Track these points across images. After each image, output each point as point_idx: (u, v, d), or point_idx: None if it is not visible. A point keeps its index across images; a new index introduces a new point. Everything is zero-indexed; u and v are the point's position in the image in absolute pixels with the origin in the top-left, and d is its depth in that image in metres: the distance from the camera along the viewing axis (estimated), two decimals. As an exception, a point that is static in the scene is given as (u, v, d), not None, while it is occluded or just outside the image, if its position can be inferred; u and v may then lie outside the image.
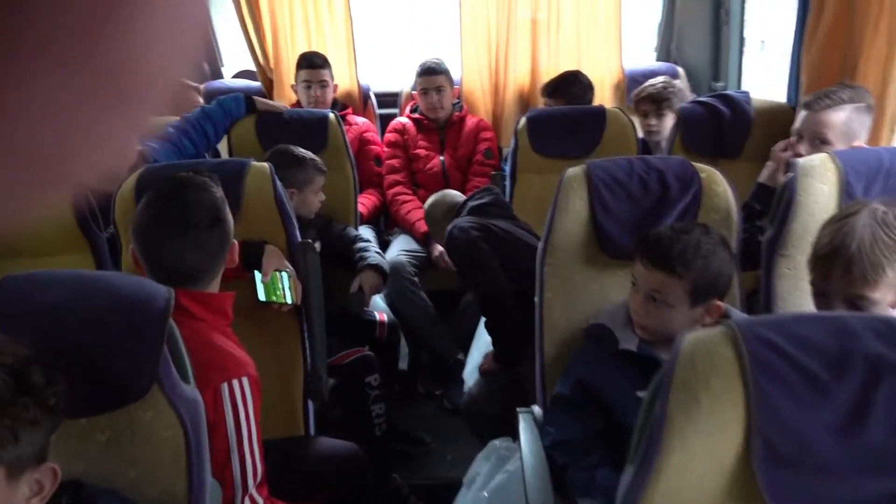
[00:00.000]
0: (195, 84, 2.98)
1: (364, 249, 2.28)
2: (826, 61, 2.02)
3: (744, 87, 3.07)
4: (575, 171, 1.57)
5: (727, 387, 0.78)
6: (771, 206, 1.91)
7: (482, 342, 2.40)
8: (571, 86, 2.76)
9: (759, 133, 2.27)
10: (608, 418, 1.40)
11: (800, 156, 1.77)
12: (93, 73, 0.20)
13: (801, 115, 1.84)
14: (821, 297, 1.32)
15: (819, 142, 1.79)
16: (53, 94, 0.20)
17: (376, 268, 2.21)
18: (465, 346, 2.68)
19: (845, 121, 1.76)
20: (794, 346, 0.80)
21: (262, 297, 1.61)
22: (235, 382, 1.16)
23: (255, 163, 1.74)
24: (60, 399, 0.89)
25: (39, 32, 0.19)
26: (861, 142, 1.78)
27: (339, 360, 2.08)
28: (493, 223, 1.99)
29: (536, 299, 1.63)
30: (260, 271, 1.61)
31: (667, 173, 1.55)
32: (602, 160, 1.59)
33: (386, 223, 3.07)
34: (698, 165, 1.57)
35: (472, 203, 2.12)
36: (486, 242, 1.93)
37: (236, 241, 1.36)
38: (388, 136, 3.02)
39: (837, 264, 1.23)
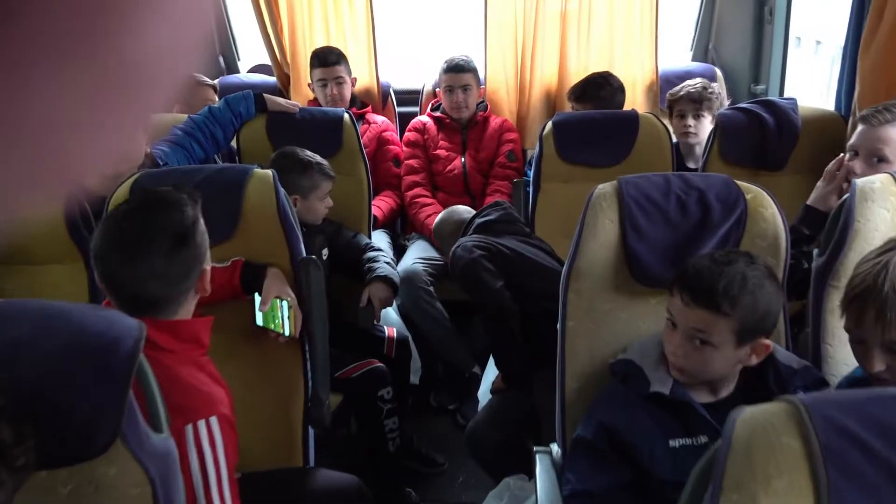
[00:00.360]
0: (209, 81, 2.86)
1: (374, 259, 2.15)
2: (886, 68, 1.83)
3: (787, 92, 2.88)
4: (605, 188, 1.42)
5: (792, 486, 0.63)
6: (820, 231, 1.75)
7: (498, 361, 2.27)
8: (600, 89, 2.59)
9: (806, 144, 2.10)
10: (635, 469, 1.25)
11: (855, 174, 1.60)
12: (99, 73, 0.21)
13: (858, 129, 1.67)
14: (858, 344, 1.18)
15: (877, 159, 1.63)
16: (59, 95, 0.20)
17: (386, 280, 2.09)
18: (482, 360, 2.56)
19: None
20: (876, 434, 0.65)
21: (259, 321, 1.49)
22: (202, 424, 1.05)
23: (257, 170, 1.62)
24: (30, 457, 0.80)
25: (45, 33, 0.19)
26: None
27: (349, 373, 1.97)
28: (499, 242, 1.88)
29: (559, 326, 1.48)
30: (261, 295, 1.49)
31: (708, 193, 1.39)
32: (635, 176, 1.44)
33: (403, 227, 2.94)
34: (744, 185, 1.41)
35: (479, 220, 2.00)
36: (490, 262, 1.83)
37: (208, 267, 1.22)
38: (408, 135, 2.88)
39: (870, 308, 1.10)
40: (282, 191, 1.61)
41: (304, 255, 1.63)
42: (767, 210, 1.38)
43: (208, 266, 1.22)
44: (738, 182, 1.42)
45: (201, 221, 1.21)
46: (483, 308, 1.90)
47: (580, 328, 1.45)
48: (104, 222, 1.20)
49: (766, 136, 2.07)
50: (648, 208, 1.39)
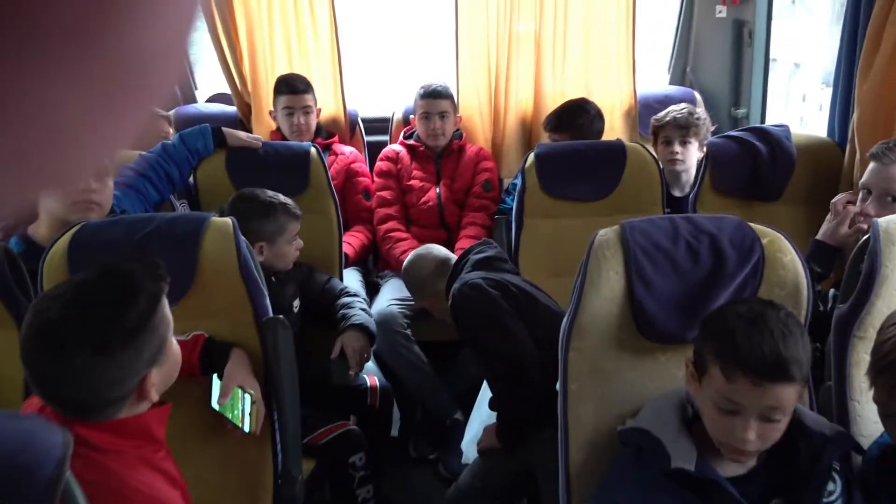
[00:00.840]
0: (163, 112, 2.66)
1: (348, 306, 1.97)
2: (886, 93, 1.74)
3: (769, 117, 2.80)
4: (607, 235, 1.27)
5: None
6: (831, 267, 1.63)
7: (484, 411, 2.10)
8: (576, 117, 2.46)
9: (802, 173, 1.99)
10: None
11: (869, 215, 1.49)
12: (89, 72, 0.21)
13: (870, 167, 1.57)
14: (889, 418, 1.05)
15: (891, 199, 1.54)
16: (50, 94, 0.20)
17: (361, 328, 1.89)
18: (463, 404, 2.39)
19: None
20: None
21: (215, 405, 1.30)
22: None
23: (215, 218, 1.44)
24: None
25: (36, 32, 0.19)
26: None
27: (318, 439, 1.77)
28: (507, 279, 1.68)
29: (559, 389, 1.33)
30: (219, 377, 1.31)
31: (721, 238, 1.26)
32: (640, 221, 1.30)
33: (375, 263, 2.77)
34: (759, 228, 1.28)
35: (474, 256, 1.81)
36: (507, 303, 1.61)
37: (153, 371, 1.00)
38: (380, 164, 2.72)
39: None
40: (243, 241, 1.43)
41: (270, 312, 1.45)
42: (786, 256, 1.25)
43: (164, 365, 1.02)
44: (753, 225, 1.29)
45: (160, 313, 1.01)
46: (498, 357, 1.63)
47: (584, 391, 1.30)
48: (35, 302, 1.01)
49: (760, 166, 1.97)
50: (656, 256, 1.25)
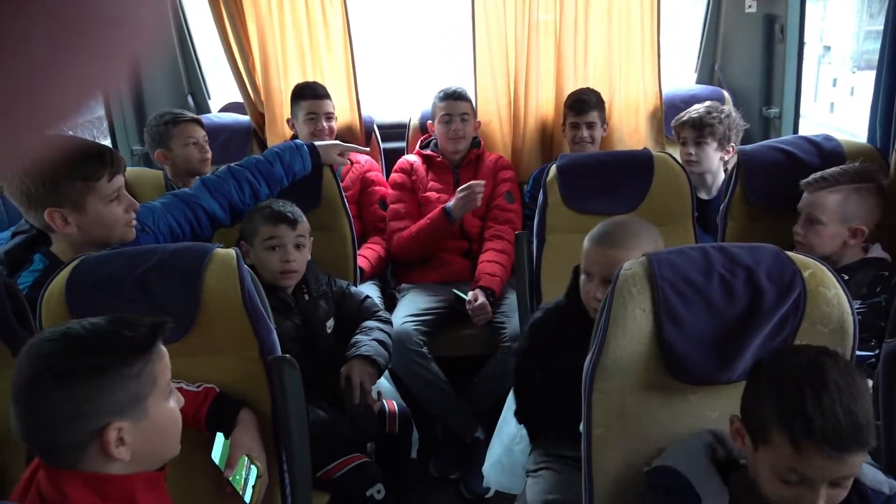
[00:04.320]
0: (194, 116, 2.56)
1: (365, 330, 1.86)
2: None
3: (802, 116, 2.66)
4: (632, 268, 1.18)
5: None
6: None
7: (505, 433, 2.02)
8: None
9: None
10: None
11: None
12: (65, 7, 0.20)
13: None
14: None
15: (811, 222, 1.71)
16: (25, 31, 0.19)
17: (367, 359, 1.76)
18: (485, 423, 2.31)
19: (840, 202, 1.69)
20: None
21: (216, 459, 1.23)
22: None
23: (218, 251, 1.37)
24: None
25: None
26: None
27: (332, 472, 1.70)
28: None
29: (582, 431, 1.24)
30: (225, 435, 1.24)
31: (758, 272, 1.16)
32: (669, 252, 1.20)
33: (394, 275, 2.69)
34: (800, 259, 1.18)
35: None
36: None
37: (124, 425, 0.94)
38: (394, 176, 2.64)
39: None
40: (247, 273, 1.36)
41: (278, 347, 1.38)
42: (830, 291, 1.15)
43: (140, 422, 0.95)
44: (793, 255, 1.18)
45: (143, 366, 0.96)
46: None
47: (609, 436, 1.21)
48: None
49: (805, 174, 1.84)
50: (687, 292, 1.15)
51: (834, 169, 1.72)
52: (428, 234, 2.45)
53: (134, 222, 1.57)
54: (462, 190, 2.34)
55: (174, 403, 1.01)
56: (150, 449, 0.97)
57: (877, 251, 1.70)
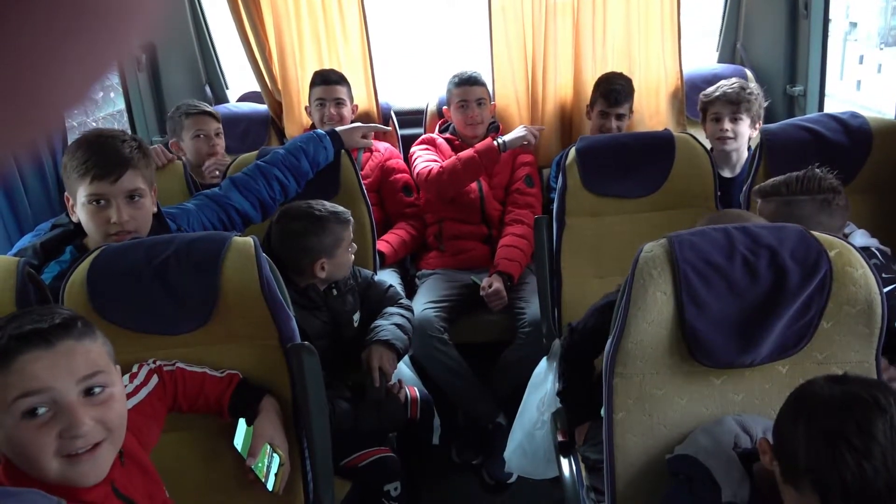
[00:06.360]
0: (210, 109, 2.57)
1: (386, 315, 1.86)
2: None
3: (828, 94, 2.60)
4: (653, 250, 1.16)
5: None
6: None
7: (526, 419, 2.01)
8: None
9: (875, 159, 1.82)
10: None
11: None
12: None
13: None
14: None
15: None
16: (27, 15, 0.19)
17: (385, 344, 1.76)
18: (506, 408, 2.31)
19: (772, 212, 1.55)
20: None
21: (238, 445, 1.24)
22: None
23: (236, 239, 1.37)
24: None
25: None
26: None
27: (356, 462, 1.71)
28: None
29: (603, 415, 1.23)
30: (247, 422, 1.25)
31: (781, 252, 1.13)
32: (689, 233, 1.18)
33: (413, 262, 2.68)
34: (825, 239, 1.15)
35: None
36: None
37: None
38: (420, 145, 2.62)
39: None
40: (265, 261, 1.36)
41: (297, 334, 1.38)
42: (857, 270, 1.12)
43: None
44: (818, 235, 1.15)
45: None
46: None
47: (631, 420, 1.20)
48: None
49: (831, 150, 1.79)
50: (709, 274, 1.13)
51: (778, 178, 1.59)
52: (472, 165, 2.41)
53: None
54: (521, 129, 2.45)
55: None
56: None
57: (860, 238, 1.58)
